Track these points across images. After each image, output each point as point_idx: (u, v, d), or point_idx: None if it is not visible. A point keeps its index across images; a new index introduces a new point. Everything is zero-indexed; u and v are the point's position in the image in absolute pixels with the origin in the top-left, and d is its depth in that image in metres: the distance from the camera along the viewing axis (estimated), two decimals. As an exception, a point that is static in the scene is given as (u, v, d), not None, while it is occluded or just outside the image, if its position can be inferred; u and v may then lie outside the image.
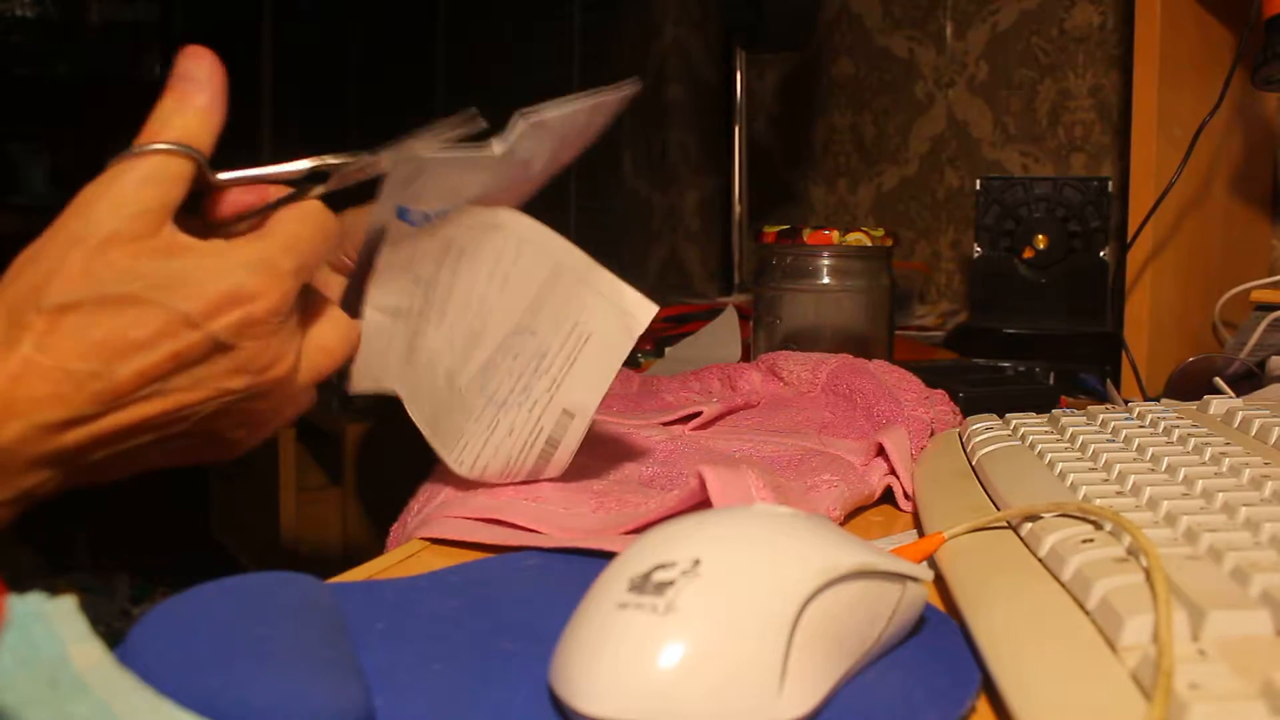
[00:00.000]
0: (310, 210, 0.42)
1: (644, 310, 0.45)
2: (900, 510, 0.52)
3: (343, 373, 0.50)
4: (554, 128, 0.46)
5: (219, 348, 0.39)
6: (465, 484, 0.49)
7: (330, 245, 0.43)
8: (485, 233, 0.47)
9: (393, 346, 0.52)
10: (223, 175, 0.42)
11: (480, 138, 0.44)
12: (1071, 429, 0.50)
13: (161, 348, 0.37)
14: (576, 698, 0.28)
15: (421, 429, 0.51)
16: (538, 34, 1.91)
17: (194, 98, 0.40)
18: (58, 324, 0.36)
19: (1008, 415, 0.55)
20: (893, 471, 0.52)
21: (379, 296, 0.51)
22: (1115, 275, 0.89)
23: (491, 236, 0.47)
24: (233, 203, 0.43)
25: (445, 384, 0.50)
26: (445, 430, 0.50)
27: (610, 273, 0.46)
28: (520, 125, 0.44)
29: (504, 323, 0.48)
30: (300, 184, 0.43)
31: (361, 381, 0.53)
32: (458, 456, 0.49)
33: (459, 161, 0.44)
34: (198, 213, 0.43)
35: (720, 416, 0.63)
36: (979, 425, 0.54)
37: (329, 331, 0.45)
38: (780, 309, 0.78)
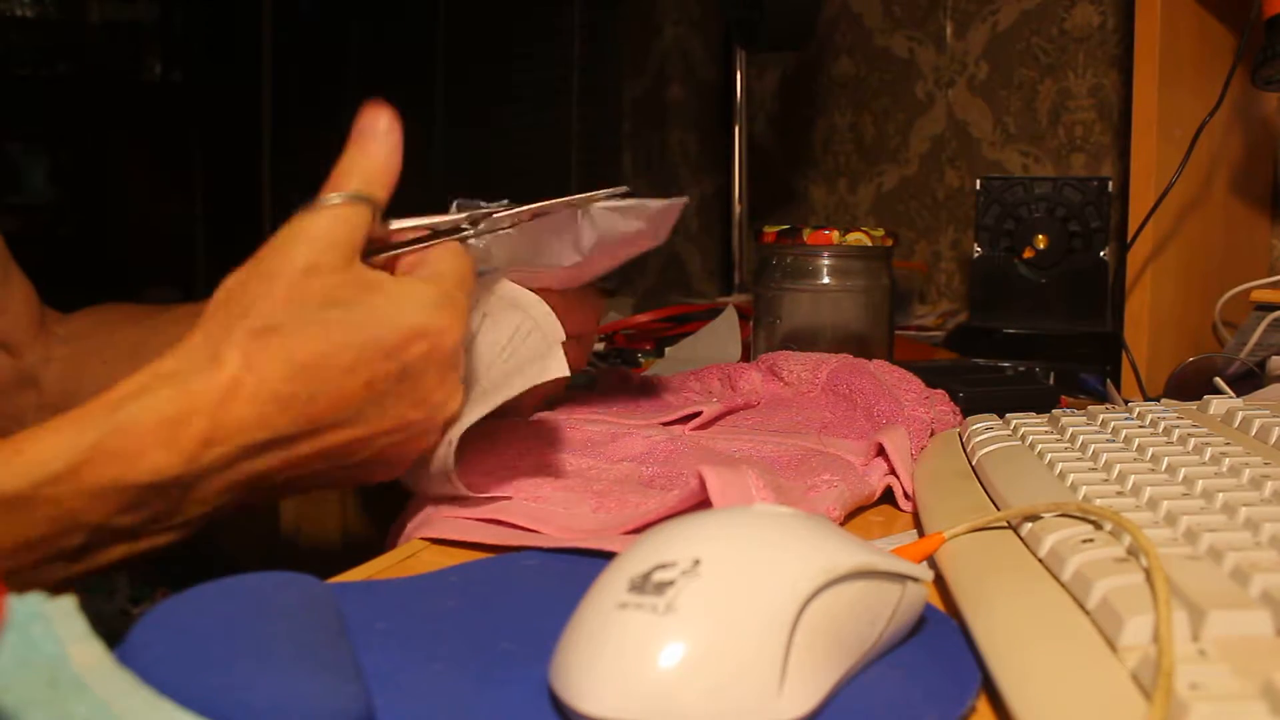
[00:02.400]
0: (460, 250, 0.44)
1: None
2: (900, 510, 0.52)
3: None
4: (616, 224, 0.51)
5: (406, 377, 0.40)
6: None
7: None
8: (509, 309, 0.50)
9: None
10: (394, 224, 0.44)
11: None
12: (1071, 429, 0.50)
13: (359, 375, 0.39)
14: (576, 698, 0.28)
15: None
16: (537, 33, 1.91)
17: (373, 151, 0.43)
18: (264, 346, 0.37)
19: (1008, 415, 0.55)
20: (893, 471, 0.52)
21: None
22: (1115, 275, 0.89)
23: (512, 314, 0.50)
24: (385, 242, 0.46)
25: None
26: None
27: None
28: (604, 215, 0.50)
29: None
30: (453, 231, 0.46)
31: None
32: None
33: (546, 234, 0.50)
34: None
35: (720, 416, 0.63)
36: (979, 425, 0.54)
37: None
38: (780, 309, 0.78)
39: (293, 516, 1.42)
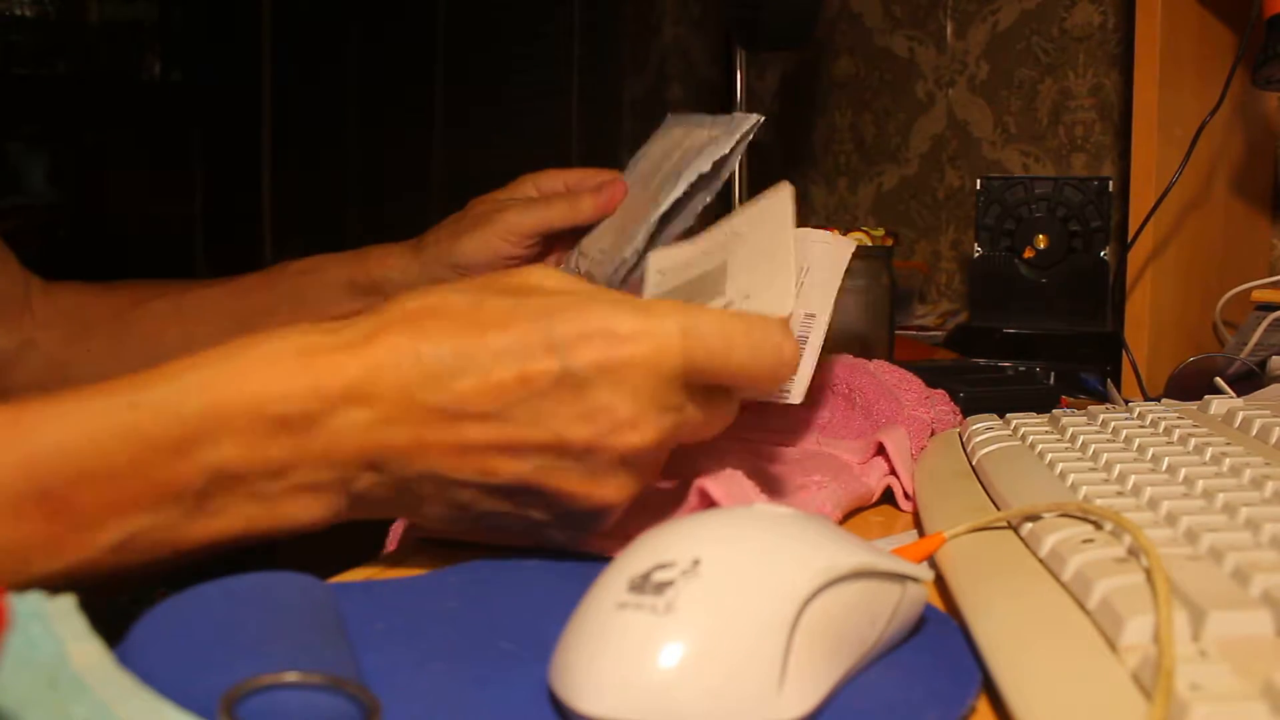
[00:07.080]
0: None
1: (781, 196, 0.49)
2: (900, 510, 0.52)
3: None
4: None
5: (569, 383, 0.35)
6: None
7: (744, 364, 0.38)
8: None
9: None
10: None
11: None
12: (1072, 429, 0.50)
13: (512, 365, 0.35)
14: (576, 698, 0.28)
15: None
16: (537, 33, 1.91)
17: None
18: (420, 317, 0.36)
19: (1008, 415, 0.55)
20: (893, 471, 0.52)
21: None
22: (1116, 275, 0.89)
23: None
24: None
25: None
26: None
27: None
28: None
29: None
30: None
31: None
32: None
33: None
34: None
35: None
36: (979, 425, 0.54)
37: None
38: (780, 309, 0.78)
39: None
